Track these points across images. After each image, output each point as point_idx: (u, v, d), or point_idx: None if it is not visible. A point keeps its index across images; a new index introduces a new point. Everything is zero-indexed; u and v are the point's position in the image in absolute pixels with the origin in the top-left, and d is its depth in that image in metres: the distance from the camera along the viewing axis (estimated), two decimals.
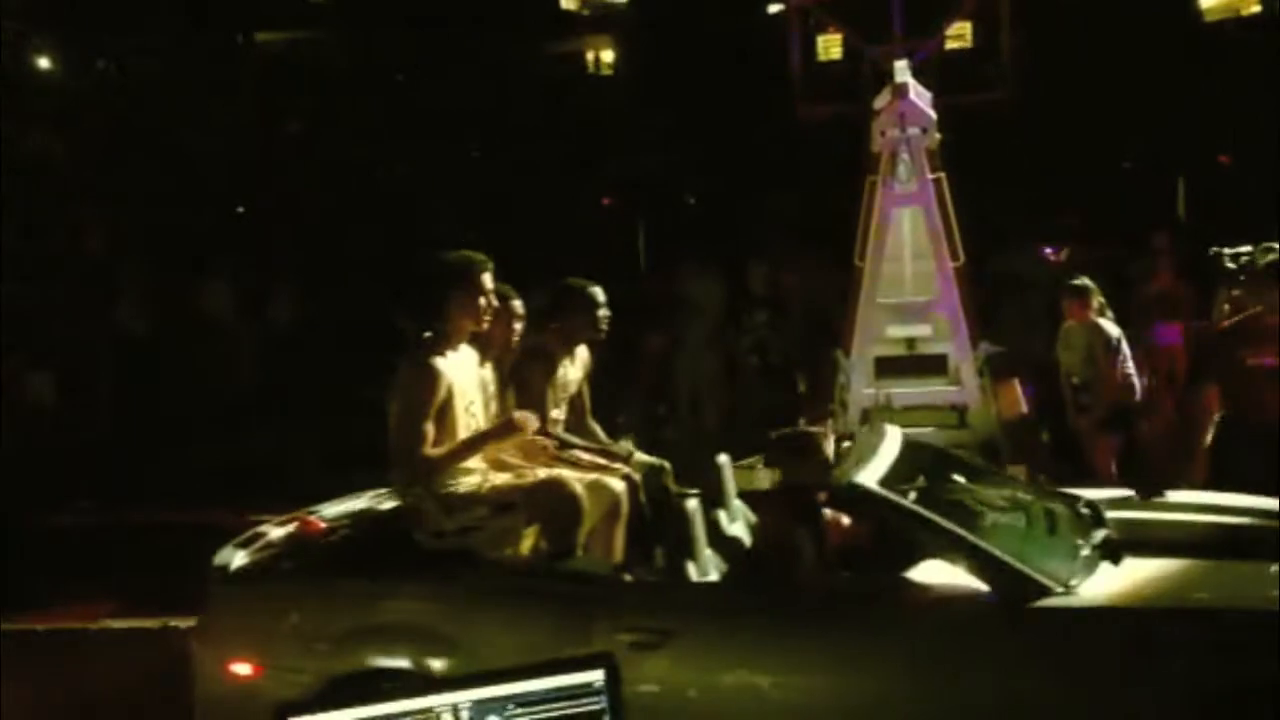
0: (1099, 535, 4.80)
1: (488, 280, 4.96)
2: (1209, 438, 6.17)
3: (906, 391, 8.40)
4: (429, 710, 2.17)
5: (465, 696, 2.20)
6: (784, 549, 4.82)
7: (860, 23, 9.49)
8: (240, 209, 17.04)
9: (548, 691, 2.23)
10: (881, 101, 8.72)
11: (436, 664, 4.52)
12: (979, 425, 8.16)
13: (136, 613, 7.73)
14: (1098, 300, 8.54)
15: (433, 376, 4.81)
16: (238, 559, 5.04)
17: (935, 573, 4.59)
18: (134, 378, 12.24)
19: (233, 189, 17.42)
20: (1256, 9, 26.36)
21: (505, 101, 24.42)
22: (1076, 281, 8.40)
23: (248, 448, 10.95)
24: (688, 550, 4.99)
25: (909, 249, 8.77)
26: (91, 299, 12.85)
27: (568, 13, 34.96)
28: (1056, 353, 8.74)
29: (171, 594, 7.48)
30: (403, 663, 4.57)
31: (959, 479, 5.21)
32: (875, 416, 8.23)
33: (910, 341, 8.92)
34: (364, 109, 21.68)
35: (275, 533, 5.26)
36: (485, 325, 5.04)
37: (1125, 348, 8.40)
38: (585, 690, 2.25)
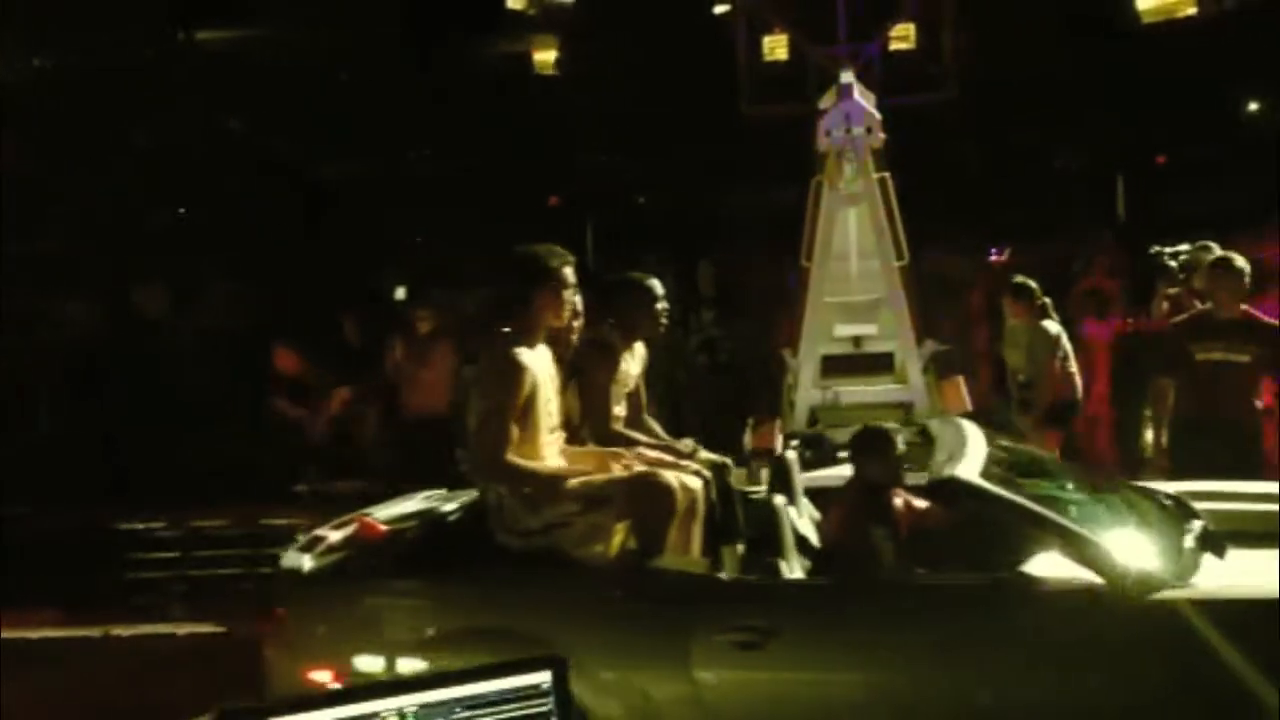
0: (1196, 527, 4.77)
1: (570, 275, 4.88)
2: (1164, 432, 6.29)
3: (853, 390, 8.45)
4: (374, 714, 2.14)
5: (411, 700, 2.18)
6: (861, 546, 4.80)
7: (805, 23, 9.52)
8: (181, 210, 16.80)
9: (495, 694, 2.21)
10: (827, 102, 8.77)
11: None
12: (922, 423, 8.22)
13: (78, 621, 7.60)
14: (1039, 299, 8.68)
15: (519, 373, 4.66)
16: (307, 562, 4.86)
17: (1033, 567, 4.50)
18: (76, 379, 12.03)
19: (174, 189, 17.17)
20: (1192, 11, 26.87)
21: (450, 100, 24.32)
22: (1017, 281, 8.54)
23: (184, 450, 10.80)
24: (776, 548, 4.87)
25: (855, 248, 8.82)
26: (32, 299, 12.62)
27: (514, 12, 34.93)
28: (1003, 351, 8.86)
29: (108, 600, 7.36)
30: None
31: (1035, 470, 5.19)
32: (822, 415, 8.28)
33: (857, 340, 8.97)
34: (306, 107, 21.48)
35: (334, 535, 5.08)
36: (564, 321, 4.94)
37: (1067, 345, 8.53)
38: (533, 692, 2.24)
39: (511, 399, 4.62)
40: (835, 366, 8.68)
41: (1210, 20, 25.29)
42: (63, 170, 15.96)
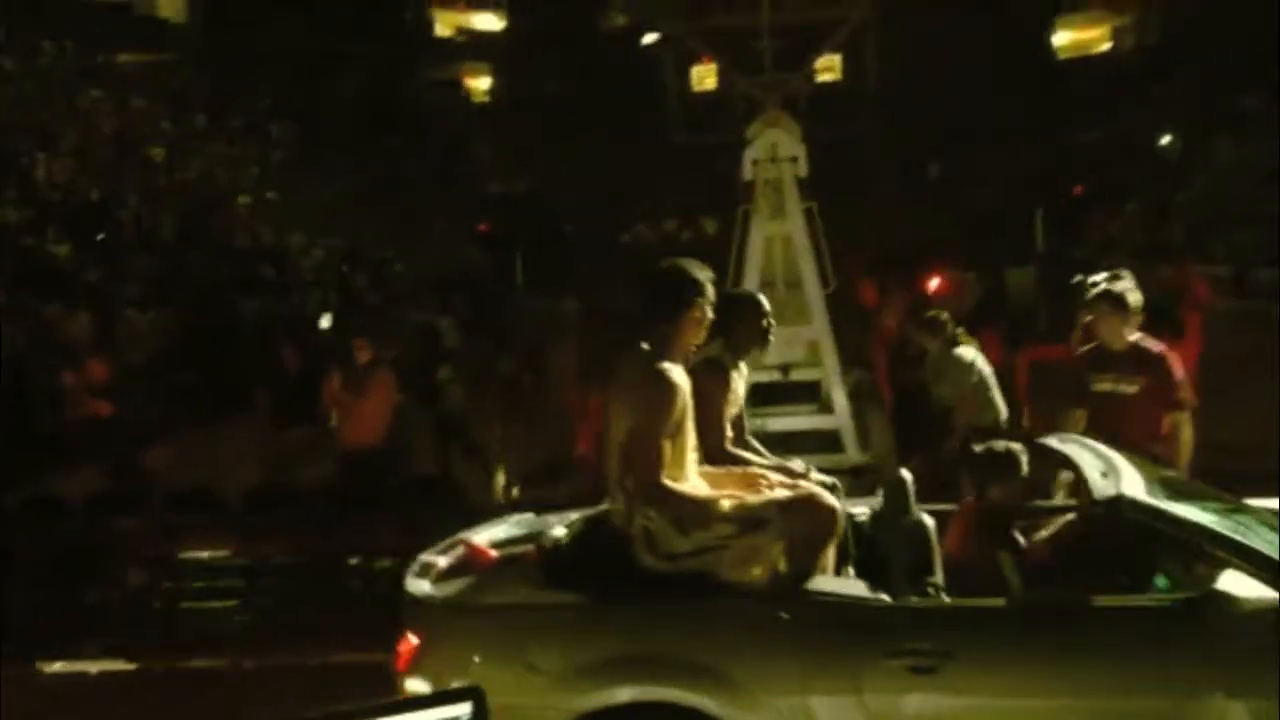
0: None
1: (712, 293, 4.74)
2: None
3: (781, 417, 8.50)
4: None
5: None
6: (986, 567, 4.70)
7: (733, 54, 9.63)
8: (100, 235, 16.45)
9: None
10: (753, 132, 8.86)
11: (701, 695, 4.25)
12: (851, 450, 8.31)
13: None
14: (951, 329, 8.78)
15: (675, 392, 4.49)
16: (429, 588, 4.68)
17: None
18: None
19: (92, 213, 16.82)
20: (1106, 46, 27.65)
21: (380, 126, 24.21)
22: (929, 314, 8.62)
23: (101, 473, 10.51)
24: (926, 568, 4.73)
25: (781, 276, 8.91)
26: None
27: (444, 39, 34.92)
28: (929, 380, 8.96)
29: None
30: (666, 694, 4.29)
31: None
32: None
33: (784, 368, 9.05)
34: (227, 132, 21.24)
35: (441, 561, 4.87)
36: (702, 339, 4.77)
37: (984, 370, 8.62)
38: None
39: (665, 420, 4.46)
40: (763, 394, 8.74)
41: (1123, 55, 26.06)
42: None
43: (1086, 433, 6.39)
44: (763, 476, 4.86)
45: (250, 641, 7.14)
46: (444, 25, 34.67)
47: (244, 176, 20.37)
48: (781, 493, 4.72)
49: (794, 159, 8.66)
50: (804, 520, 4.56)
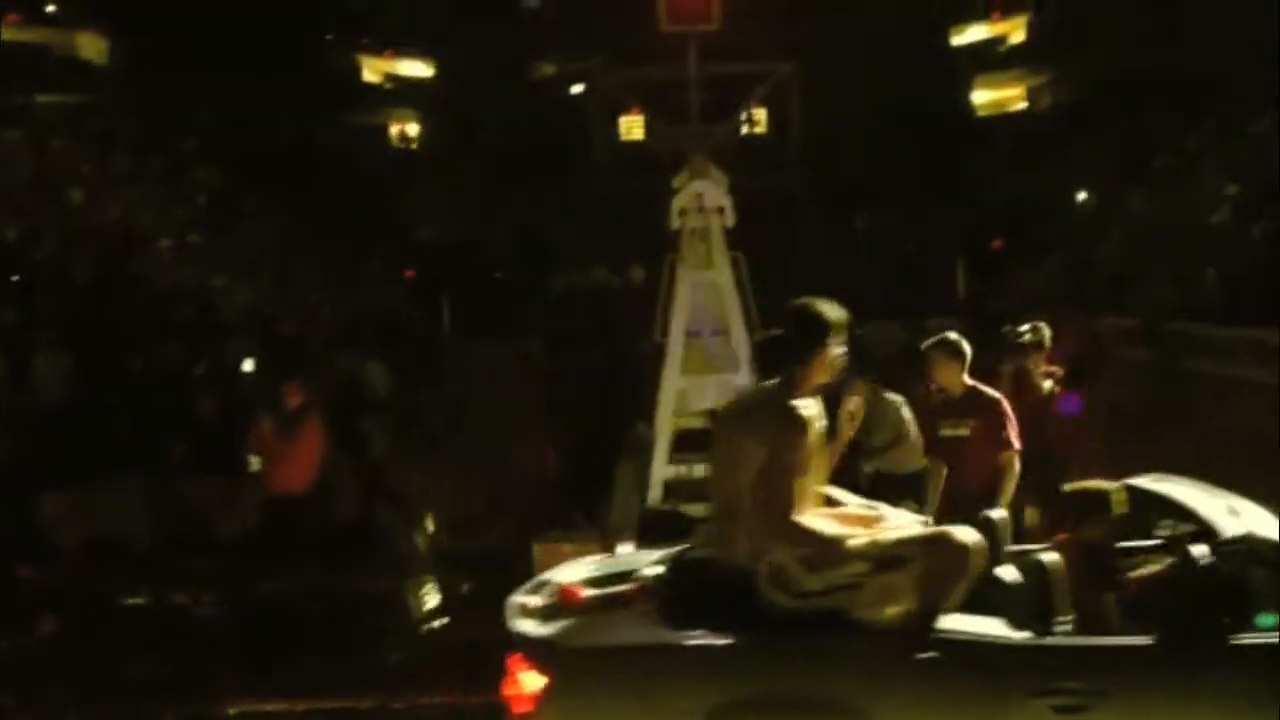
0: None
1: (844, 333, 4.67)
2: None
3: (708, 465, 8.53)
4: None
5: None
6: (1087, 606, 4.62)
7: (661, 105, 9.74)
8: (14, 277, 16.08)
9: None
10: (680, 182, 8.95)
11: None
12: None
13: None
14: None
15: (805, 430, 4.47)
16: (555, 629, 4.56)
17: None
18: None
19: (7, 254, 16.44)
20: (1022, 105, 28.47)
21: (305, 172, 24.05)
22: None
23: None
24: (1053, 606, 4.59)
25: (708, 324, 8.97)
26: None
27: (370, 85, 34.87)
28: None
29: None
30: None
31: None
32: (676, 490, 8.33)
33: (712, 414, 9.09)
34: (148, 174, 20.97)
35: (534, 600, 4.77)
36: (830, 378, 4.71)
37: (906, 416, 8.68)
38: None
39: (796, 457, 4.42)
40: (690, 442, 8.76)
41: (1040, 112, 26.85)
42: None
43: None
44: (878, 515, 4.80)
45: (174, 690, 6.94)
46: (372, 72, 34.64)
47: (167, 219, 20.08)
48: (917, 530, 4.68)
49: (720, 209, 8.75)
50: (942, 558, 4.49)
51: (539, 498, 12.13)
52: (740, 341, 8.63)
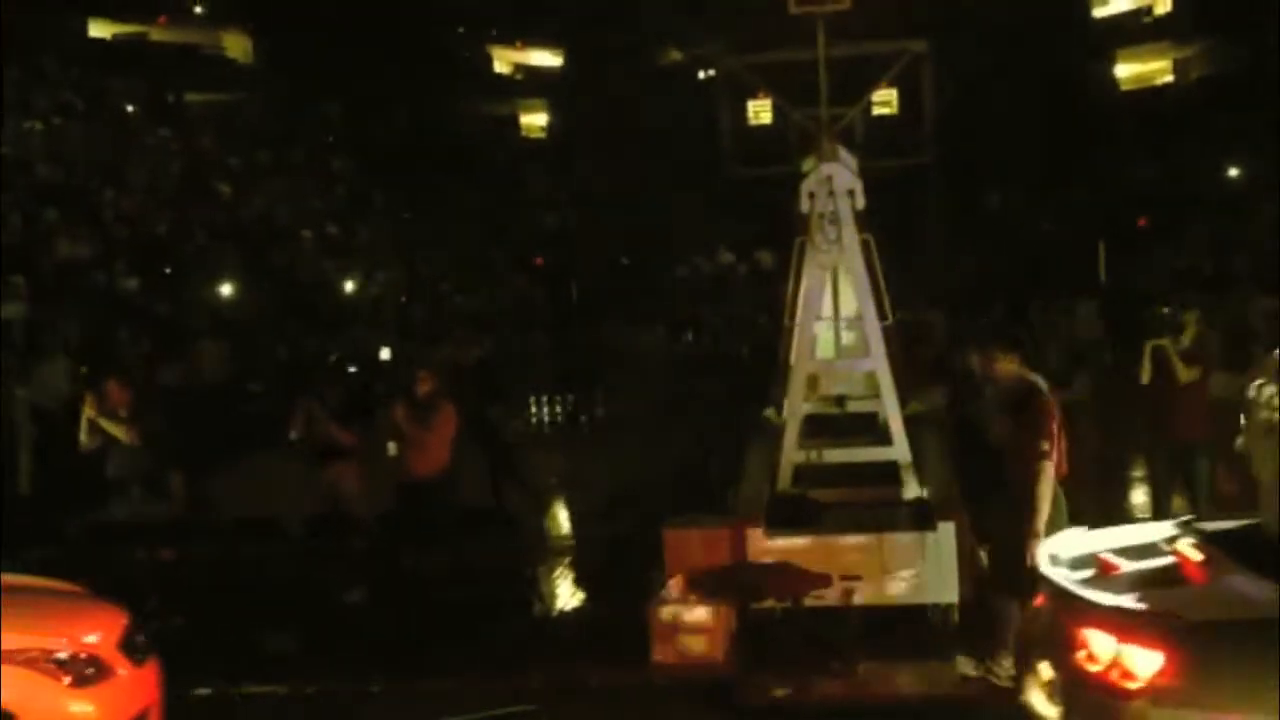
0: None
1: None
2: None
3: (837, 449, 8.43)
4: None
5: None
6: None
7: (789, 88, 9.63)
8: (167, 269, 16.80)
9: None
10: (809, 165, 8.84)
11: None
12: (909, 483, 8.21)
13: None
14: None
15: None
16: (1172, 604, 4.43)
17: None
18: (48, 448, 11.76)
19: (159, 248, 17.18)
20: (1169, 78, 27.32)
21: (437, 163, 24.53)
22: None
23: None
24: None
25: (838, 309, 8.86)
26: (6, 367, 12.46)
27: (502, 77, 35.42)
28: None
29: None
30: None
31: None
32: (806, 476, 8.25)
33: (841, 400, 8.97)
34: (290, 168, 21.64)
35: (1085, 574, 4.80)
36: None
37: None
38: None
39: None
40: (820, 426, 8.67)
41: (1185, 87, 25.77)
42: (48, 231, 15.94)
43: None
44: None
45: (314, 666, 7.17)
46: (502, 63, 35.17)
47: (306, 212, 20.73)
48: None
49: (850, 192, 8.60)
50: None
51: (671, 484, 12.21)
52: (872, 326, 8.50)
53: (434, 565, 7.98)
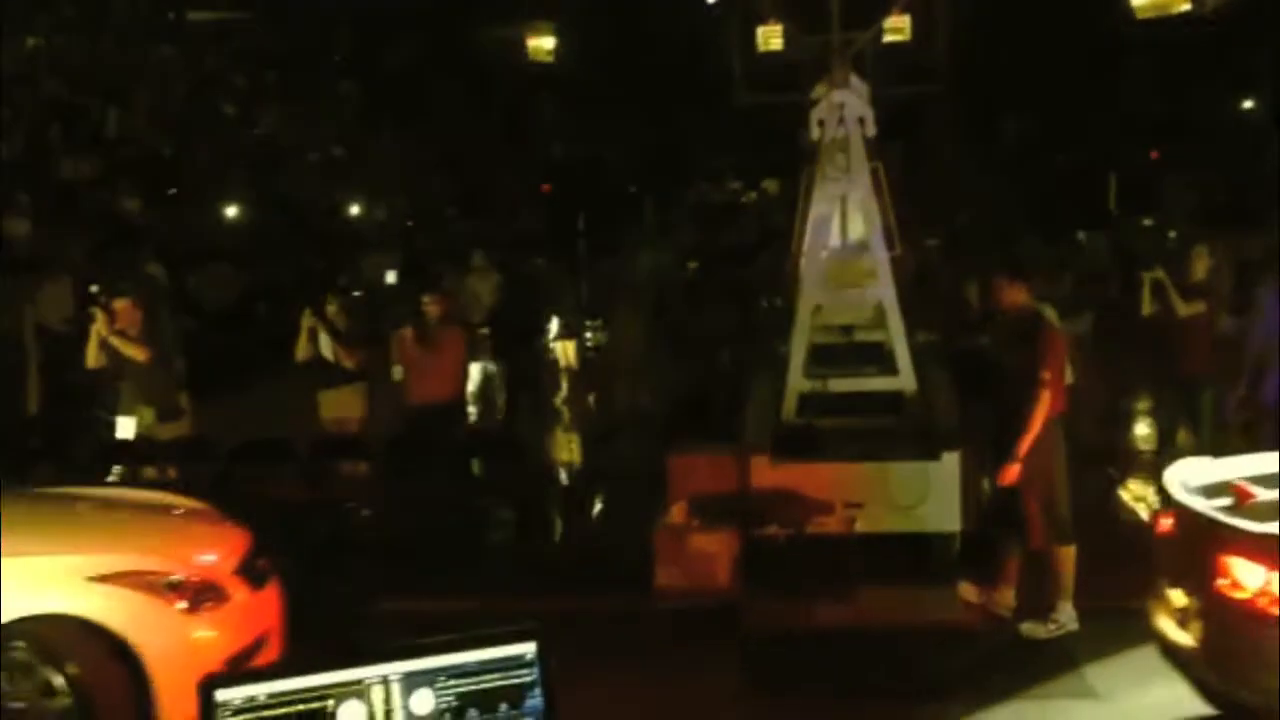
0: None
1: None
2: None
3: (843, 379, 8.45)
4: (358, 682, 2.14)
5: (395, 668, 2.17)
6: None
7: (800, 14, 9.48)
8: (171, 190, 16.74)
9: (479, 664, 2.21)
10: (820, 92, 8.75)
11: None
12: (913, 413, 8.23)
13: None
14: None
15: None
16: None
17: None
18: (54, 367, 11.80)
19: (163, 168, 17.10)
20: (1186, 7, 26.88)
21: (442, 87, 24.29)
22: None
23: None
24: None
25: (846, 238, 8.81)
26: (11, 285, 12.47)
27: None
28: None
29: None
30: None
31: None
32: (811, 405, 8.27)
33: (847, 330, 8.97)
34: (295, 91, 21.43)
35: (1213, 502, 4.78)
36: None
37: None
38: (517, 663, 2.24)
39: None
40: (825, 356, 8.67)
41: (1201, 17, 25.33)
42: (51, 152, 15.86)
43: None
44: None
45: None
46: None
47: (312, 135, 20.57)
48: None
49: (861, 119, 8.52)
50: None
51: (677, 412, 12.23)
52: (879, 255, 8.46)
53: (438, 489, 8.05)
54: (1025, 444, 6.19)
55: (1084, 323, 9.97)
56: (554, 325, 12.88)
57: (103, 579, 4.91)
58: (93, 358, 8.10)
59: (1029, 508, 6.27)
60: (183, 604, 4.97)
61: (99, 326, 8.01)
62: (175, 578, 5.02)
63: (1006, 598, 6.50)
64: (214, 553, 5.30)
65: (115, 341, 7.98)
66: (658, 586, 7.01)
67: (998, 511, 6.62)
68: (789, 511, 7.03)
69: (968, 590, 6.69)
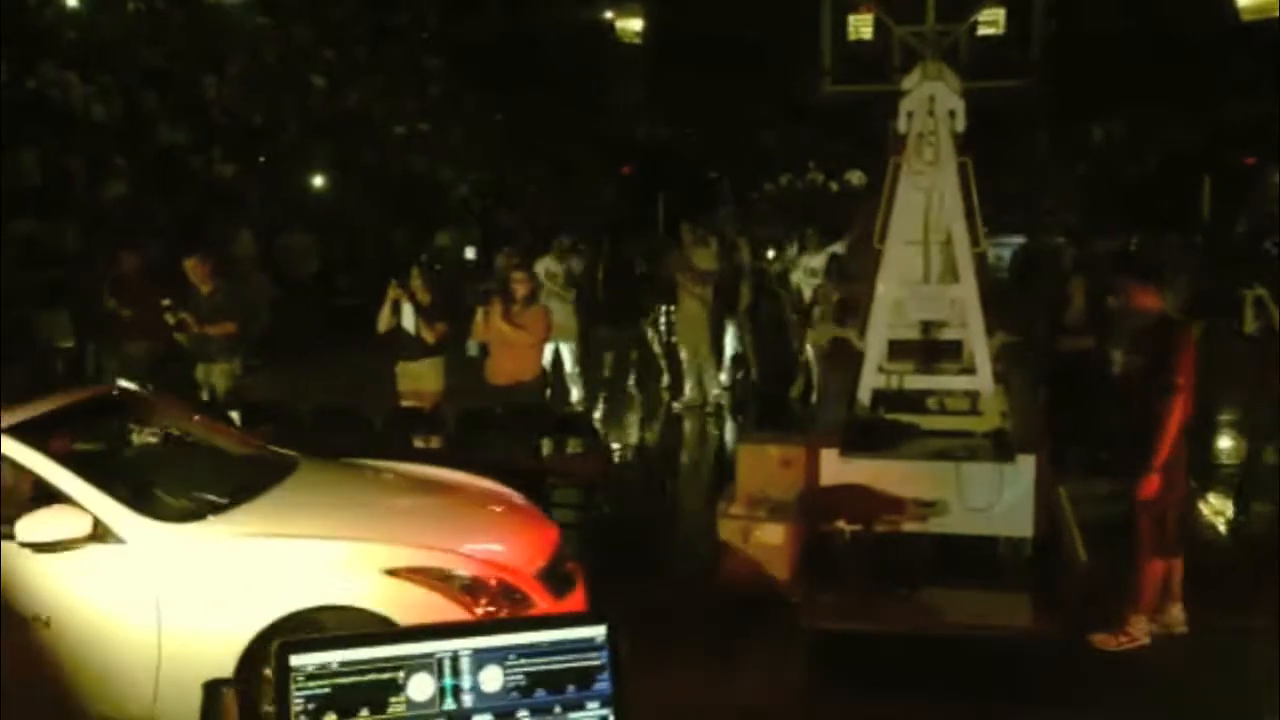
0: None
1: None
2: None
3: (919, 376, 8.34)
4: (429, 655, 2.17)
5: (466, 644, 2.19)
6: None
7: (892, 3, 9.36)
8: (262, 158, 17.01)
9: (549, 644, 2.23)
10: (910, 83, 8.62)
11: None
12: (990, 413, 8.11)
13: None
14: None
15: None
16: None
17: None
18: None
19: (255, 137, 17.39)
20: None
21: (530, 66, 24.39)
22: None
23: None
24: None
25: (929, 233, 8.68)
26: (109, 243, 12.79)
27: None
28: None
29: None
30: None
31: None
32: (885, 401, 8.19)
33: (926, 326, 8.85)
34: (385, 65, 21.63)
35: None
36: None
37: None
38: (587, 645, 2.24)
39: None
40: (902, 351, 8.56)
41: None
42: (146, 115, 16.20)
43: None
44: None
45: None
46: None
47: (398, 109, 20.76)
48: None
49: (951, 113, 8.38)
50: None
51: (753, 400, 12.23)
52: (963, 251, 8.33)
53: (510, 468, 8.10)
54: (1163, 453, 5.96)
55: (1196, 330, 9.77)
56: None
57: (396, 573, 4.55)
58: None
59: (1142, 516, 6.08)
60: (479, 609, 4.57)
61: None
62: (474, 577, 4.65)
63: (1175, 616, 6.29)
64: (519, 553, 4.91)
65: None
66: (720, 578, 6.99)
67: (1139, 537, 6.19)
68: (856, 507, 6.96)
69: (1102, 640, 6.23)
